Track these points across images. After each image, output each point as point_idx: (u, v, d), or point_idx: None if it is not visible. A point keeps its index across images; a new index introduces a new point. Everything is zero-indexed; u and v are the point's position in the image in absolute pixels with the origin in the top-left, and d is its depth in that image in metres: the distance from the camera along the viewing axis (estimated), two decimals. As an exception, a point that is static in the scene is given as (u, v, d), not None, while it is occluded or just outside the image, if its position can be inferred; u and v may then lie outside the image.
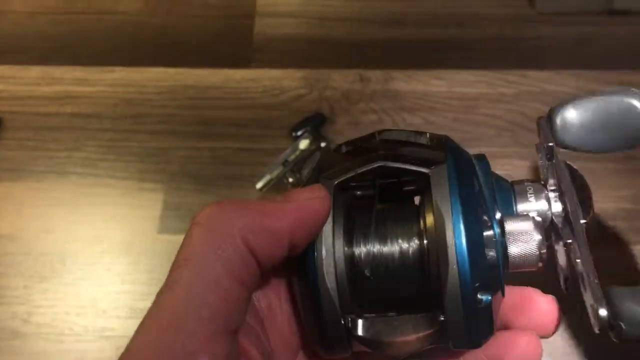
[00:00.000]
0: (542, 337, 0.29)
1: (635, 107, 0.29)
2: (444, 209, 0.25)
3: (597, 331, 0.25)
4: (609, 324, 0.24)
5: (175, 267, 0.24)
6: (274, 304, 0.28)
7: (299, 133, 0.64)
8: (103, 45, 0.74)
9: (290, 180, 0.61)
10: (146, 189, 0.64)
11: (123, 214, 0.63)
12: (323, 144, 0.62)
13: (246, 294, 0.24)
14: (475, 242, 0.26)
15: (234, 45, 0.73)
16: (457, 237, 0.25)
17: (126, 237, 0.62)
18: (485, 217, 0.27)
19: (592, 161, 0.63)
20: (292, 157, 0.62)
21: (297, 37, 0.73)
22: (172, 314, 0.23)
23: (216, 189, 0.63)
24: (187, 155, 0.66)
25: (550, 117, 0.31)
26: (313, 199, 0.25)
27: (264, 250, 0.24)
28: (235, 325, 0.24)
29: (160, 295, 0.23)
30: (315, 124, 0.65)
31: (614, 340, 0.25)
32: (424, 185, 0.27)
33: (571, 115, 0.30)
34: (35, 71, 0.72)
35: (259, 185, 0.61)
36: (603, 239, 0.59)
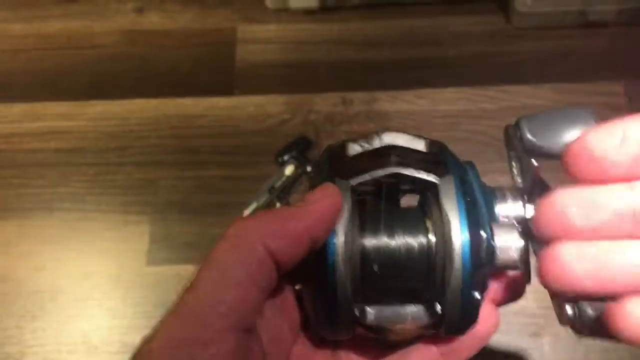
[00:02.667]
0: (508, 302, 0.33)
1: (588, 114, 0.32)
2: (453, 218, 0.28)
3: (562, 325, 0.27)
4: (573, 321, 0.26)
5: (200, 270, 0.26)
6: (267, 313, 0.30)
7: (285, 158, 0.64)
8: (84, 80, 0.74)
9: (278, 205, 0.61)
10: (132, 222, 0.64)
11: (110, 248, 0.63)
12: (309, 168, 0.62)
13: (261, 296, 0.27)
14: (476, 248, 0.28)
15: (216, 73, 0.74)
16: (463, 245, 0.28)
17: (114, 271, 0.61)
18: (480, 220, 0.30)
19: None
20: (279, 183, 0.62)
21: (277, 63, 0.74)
22: (191, 307, 0.25)
23: (203, 218, 0.63)
24: (172, 185, 0.66)
25: (518, 125, 0.33)
26: (326, 198, 0.28)
27: (286, 251, 0.27)
28: (249, 323, 0.27)
29: (184, 292, 0.26)
30: (301, 148, 0.65)
31: (576, 335, 0.27)
32: (422, 189, 0.30)
33: (536, 122, 0.33)
34: (18, 108, 0.72)
35: (246, 212, 0.61)
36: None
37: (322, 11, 0.76)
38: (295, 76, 0.73)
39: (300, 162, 0.63)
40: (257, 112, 0.70)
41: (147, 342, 0.25)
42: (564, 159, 0.24)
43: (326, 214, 0.28)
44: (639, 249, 0.23)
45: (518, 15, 0.73)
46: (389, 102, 0.70)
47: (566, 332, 0.57)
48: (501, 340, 0.56)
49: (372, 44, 0.75)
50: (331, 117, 0.69)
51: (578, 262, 0.24)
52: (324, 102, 0.70)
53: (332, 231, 0.29)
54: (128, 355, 0.25)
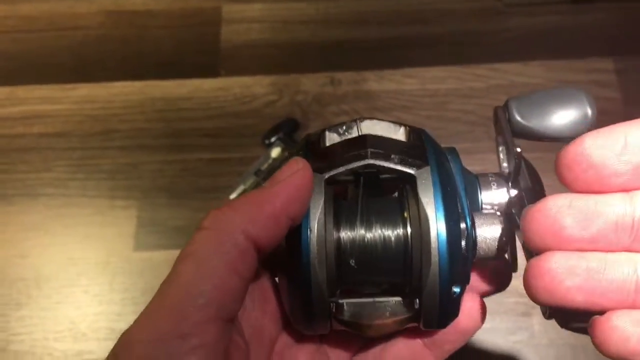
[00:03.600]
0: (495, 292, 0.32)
1: (581, 95, 0.32)
2: (429, 210, 0.27)
3: (546, 318, 0.27)
4: (553, 313, 0.26)
5: (177, 261, 0.26)
6: (248, 304, 0.30)
7: (272, 140, 0.64)
8: (67, 62, 0.73)
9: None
10: (118, 207, 0.63)
11: (97, 234, 0.62)
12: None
13: (242, 285, 0.26)
14: (454, 241, 0.28)
15: (201, 54, 0.72)
16: (439, 239, 0.27)
17: (101, 257, 0.61)
18: (460, 211, 0.29)
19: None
20: (265, 165, 0.62)
21: (263, 43, 0.73)
22: (170, 300, 0.25)
23: (190, 202, 0.63)
24: (158, 169, 0.65)
25: (507, 106, 0.32)
26: (296, 173, 0.28)
27: (266, 234, 0.27)
28: (230, 314, 0.26)
29: (162, 285, 0.26)
30: (288, 130, 0.64)
31: (560, 327, 0.27)
32: (402, 178, 0.29)
33: (526, 103, 0.32)
34: (0, 92, 0.71)
35: (233, 196, 0.60)
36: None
37: (309, -11, 0.75)
38: (281, 56, 0.72)
39: (287, 144, 0.63)
40: (243, 94, 0.69)
41: (127, 335, 0.25)
42: (559, 163, 0.23)
43: (299, 189, 0.27)
44: (634, 263, 0.22)
45: (507, -8, 0.72)
46: (377, 81, 0.69)
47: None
48: (492, 320, 0.56)
49: (359, 22, 0.74)
50: (319, 98, 0.68)
51: (569, 275, 0.23)
52: (312, 83, 0.69)
53: (308, 229, 0.28)
54: (116, 342, 0.25)
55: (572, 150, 0.23)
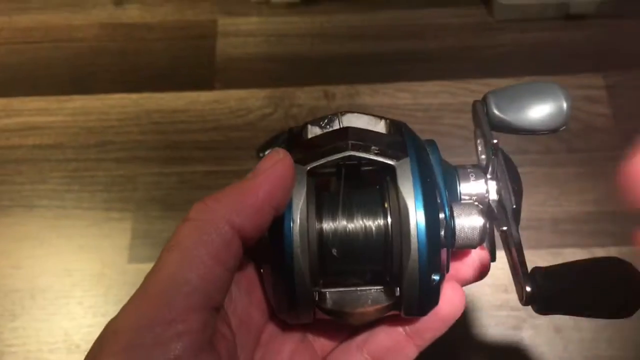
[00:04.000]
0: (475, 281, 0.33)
1: (556, 89, 0.33)
2: (409, 200, 0.28)
3: (523, 305, 0.28)
4: (532, 299, 0.28)
5: (162, 252, 0.26)
6: (235, 294, 0.31)
7: (266, 153, 0.64)
8: (62, 74, 0.73)
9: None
10: (114, 219, 0.63)
11: (91, 245, 0.62)
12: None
13: (226, 274, 0.27)
14: (433, 230, 0.28)
15: (197, 67, 0.73)
16: (418, 228, 0.28)
17: (96, 268, 0.61)
18: (439, 201, 0.30)
19: (556, 166, 0.64)
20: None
21: (259, 56, 0.73)
22: (155, 288, 0.25)
23: (185, 214, 0.63)
24: (154, 181, 0.65)
25: (485, 99, 0.34)
26: (277, 163, 0.28)
27: (250, 224, 0.27)
28: (215, 302, 0.26)
29: (147, 275, 0.26)
30: (282, 143, 0.65)
31: (535, 312, 0.29)
32: (382, 170, 0.30)
33: (503, 97, 0.33)
34: (-5, 103, 0.71)
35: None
36: (569, 242, 0.60)
37: (304, 3, 0.76)
38: (276, 70, 0.72)
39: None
40: (238, 107, 0.69)
41: (112, 324, 0.25)
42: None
43: (281, 178, 0.28)
44: None
45: (499, 8, 0.73)
46: (371, 95, 0.69)
47: (546, 325, 0.57)
48: (482, 333, 0.56)
49: (354, 36, 0.74)
50: (313, 111, 0.69)
51: None
52: (306, 96, 0.70)
53: (291, 220, 0.28)
54: (101, 331, 0.25)
55: None
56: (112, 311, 0.61)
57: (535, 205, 0.62)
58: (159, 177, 0.65)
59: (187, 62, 0.73)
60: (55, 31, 0.76)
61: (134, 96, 0.70)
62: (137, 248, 0.61)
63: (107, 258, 0.61)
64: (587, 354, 0.55)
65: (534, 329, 0.56)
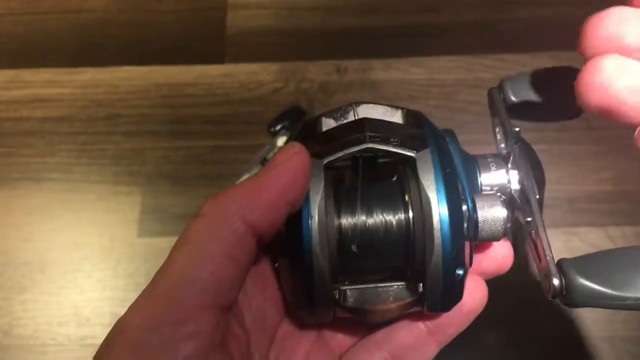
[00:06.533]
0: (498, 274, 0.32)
1: (576, 72, 0.32)
2: (431, 193, 0.27)
3: (550, 298, 0.27)
4: (560, 292, 0.27)
5: (173, 248, 0.25)
6: (249, 289, 0.30)
7: (277, 128, 0.63)
8: (71, 45, 0.72)
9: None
10: (123, 192, 0.63)
11: (101, 219, 0.62)
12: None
13: (239, 272, 0.26)
14: (456, 224, 0.27)
15: (207, 40, 0.72)
16: (442, 222, 0.27)
17: (105, 242, 0.61)
18: (461, 193, 0.29)
19: (573, 144, 0.63)
20: (271, 154, 0.61)
21: (270, 30, 0.72)
22: (165, 286, 0.24)
23: (194, 189, 0.62)
24: (163, 155, 0.65)
25: (501, 87, 0.32)
26: (292, 157, 0.27)
27: (265, 220, 0.26)
28: (227, 301, 0.25)
29: (157, 272, 0.25)
30: (293, 118, 0.64)
31: (563, 305, 0.28)
32: (400, 161, 0.29)
33: (520, 83, 0.32)
34: (4, 75, 0.70)
35: (238, 183, 0.60)
36: (584, 221, 0.59)
37: (316, -25, 0.74)
38: (288, 43, 0.71)
39: (293, 132, 0.62)
40: (248, 81, 0.68)
41: (121, 322, 0.24)
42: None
43: (297, 173, 0.27)
44: None
45: (517, -19, 0.71)
46: (384, 70, 0.68)
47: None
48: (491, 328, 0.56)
49: (367, 9, 0.73)
50: (325, 86, 0.67)
51: (622, 75, 0.22)
52: (318, 71, 0.68)
53: (309, 216, 0.27)
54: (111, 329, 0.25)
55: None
56: (122, 285, 0.61)
57: (551, 184, 0.60)
58: (167, 152, 0.65)
59: (197, 34, 0.72)
60: (64, 2, 0.75)
61: (144, 69, 0.69)
62: (146, 222, 0.61)
63: (116, 232, 0.61)
64: (603, 334, 0.55)
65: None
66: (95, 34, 0.73)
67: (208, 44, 0.72)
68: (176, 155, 0.64)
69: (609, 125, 0.68)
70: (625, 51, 0.22)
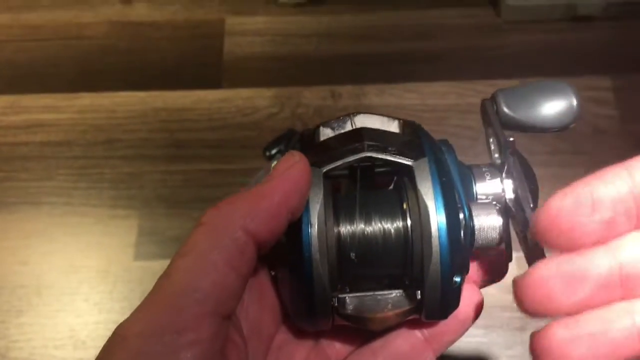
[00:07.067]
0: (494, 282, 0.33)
1: (566, 87, 0.32)
2: (429, 201, 0.28)
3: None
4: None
5: (174, 257, 0.26)
6: (246, 299, 0.30)
7: (273, 152, 0.64)
8: (71, 71, 0.73)
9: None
10: (120, 216, 0.63)
11: (98, 242, 0.62)
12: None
13: (240, 280, 0.26)
14: (454, 231, 0.28)
15: (204, 66, 0.73)
16: (440, 229, 0.27)
17: (102, 265, 0.61)
18: (458, 201, 0.29)
19: (564, 167, 0.64)
20: (266, 177, 0.62)
21: (266, 56, 0.73)
22: (166, 294, 0.25)
23: (191, 212, 0.63)
24: (160, 179, 0.65)
25: (494, 98, 0.33)
26: (293, 167, 0.27)
27: (265, 229, 0.26)
28: (227, 310, 0.26)
29: (158, 280, 0.25)
30: (289, 142, 0.65)
31: None
32: (396, 171, 0.30)
33: (513, 95, 0.33)
34: (3, 100, 0.71)
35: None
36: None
37: (312, 3, 0.76)
38: (283, 69, 0.72)
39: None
40: (245, 106, 0.70)
41: (121, 329, 0.24)
42: (534, 230, 0.23)
43: (297, 182, 0.27)
44: (631, 314, 0.22)
45: (507, 9, 0.73)
46: (378, 95, 0.69)
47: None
48: (487, 334, 0.56)
49: (361, 36, 0.75)
50: (320, 111, 0.69)
51: (574, 346, 0.23)
52: (313, 96, 0.70)
53: (309, 224, 0.28)
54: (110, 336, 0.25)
55: (543, 218, 0.23)
56: (118, 308, 0.61)
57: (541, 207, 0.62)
58: (165, 175, 0.66)
59: (195, 60, 0.74)
60: (64, 29, 0.76)
61: (142, 94, 0.71)
62: (143, 245, 0.61)
63: (113, 255, 0.61)
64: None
65: (539, 331, 0.56)
66: (94, 60, 0.74)
67: (206, 69, 0.73)
68: (173, 179, 0.65)
69: (597, 149, 0.69)
70: (567, 309, 0.23)
